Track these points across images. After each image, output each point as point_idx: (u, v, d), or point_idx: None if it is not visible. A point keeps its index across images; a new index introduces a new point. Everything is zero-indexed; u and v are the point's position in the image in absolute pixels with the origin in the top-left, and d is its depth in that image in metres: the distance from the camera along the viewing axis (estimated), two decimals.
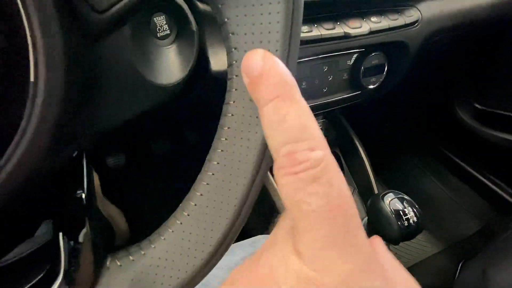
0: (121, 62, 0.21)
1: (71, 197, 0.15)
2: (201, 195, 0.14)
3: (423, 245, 0.71)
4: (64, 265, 0.13)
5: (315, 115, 0.61)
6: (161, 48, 0.29)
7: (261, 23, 0.13)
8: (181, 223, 0.14)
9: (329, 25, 0.36)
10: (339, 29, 0.37)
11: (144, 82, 0.25)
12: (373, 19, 0.39)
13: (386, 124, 0.70)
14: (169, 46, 0.30)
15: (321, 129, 0.63)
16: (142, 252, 0.14)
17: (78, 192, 0.16)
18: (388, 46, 0.44)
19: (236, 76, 0.13)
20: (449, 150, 0.75)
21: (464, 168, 0.72)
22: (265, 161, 0.14)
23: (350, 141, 0.63)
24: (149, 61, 0.28)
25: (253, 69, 0.12)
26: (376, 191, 0.59)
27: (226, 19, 0.13)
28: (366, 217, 0.43)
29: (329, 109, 0.51)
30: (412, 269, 0.66)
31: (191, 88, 0.32)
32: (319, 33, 0.35)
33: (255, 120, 0.13)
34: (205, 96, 0.36)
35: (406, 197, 0.39)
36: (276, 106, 0.12)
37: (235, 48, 0.13)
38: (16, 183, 0.12)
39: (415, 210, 0.37)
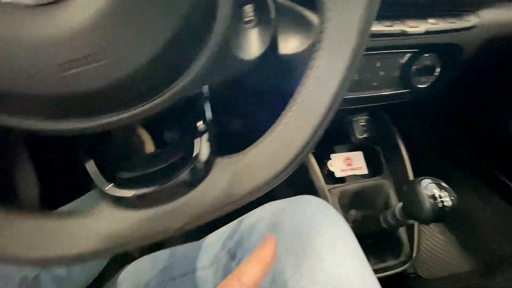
0: None
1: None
2: (286, 122, 0.20)
3: (456, 260, 0.70)
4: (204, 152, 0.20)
5: (360, 110, 0.64)
6: (245, 30, 0.36)
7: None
8: (280, 129, 0.20)
9: (388, 23, 0.41)
10: (397, 27, 0.41)
11: (231, 55, 0.32)
12: (431, 20, 0.42)
13: (431, 130, 0.71)
14: (251, 29, 0.37)
15: (364, 125, 0.67)
16: (241, 156, 0.21)
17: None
18: (442, 48, 0.47)
19: (326, 39, 0.19)
20: (496, 167, 0.72)
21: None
22: (338, 99, 0.20)
23: (393, 141, 0.66)
24: (236, 40, 0.35)
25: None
26: None
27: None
28: (401, 203, 0.45)
29: (376, 104, 0.54)
30: (441, 282, 0.65)
31: (262, 65, 0.38)
32: (379, 29, 0.40)
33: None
34: (269, 74, 0.42)
35: (443, 184, 0.41)
36: None
37: (328, 21, 0.19)
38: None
39: (451, 195, 0.39)
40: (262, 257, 0.21)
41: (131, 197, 0.19)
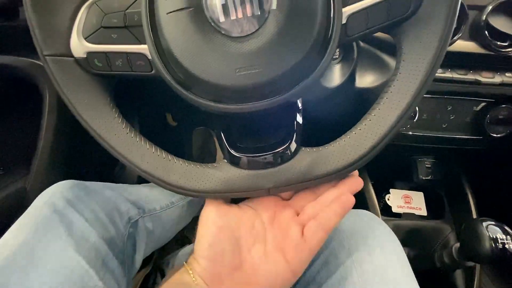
0: None
1: None
2: (357, 132, 0.28)
3: None
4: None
5: (428, 151, 0.65)
6: (331, 64, 0.46)
7: (421, 50, 0.25)
8: (354, 133, 0.27)
9: (462, 72, 0.45)
10: (471, 76, 0.44)
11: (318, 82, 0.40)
12: (508, 74, 0.45)
13: (503, 180, 0.66)
14: (336, 64, 0.46)
15: (429, 167, 0.67)
16: (319, 149, 0.28)
17: None
18: None
19: (400, 73, 0.26)
20: None
21: None
22: (400, 123, 0.26)
23: (459, 187, 0.64)
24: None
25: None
26: None
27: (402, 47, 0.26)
28: (457, 243, 0.45)
29: (445, 146, 0.56)
30: None
31: (340, 93, 0.47)
32: (451, 76, 0.44)
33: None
34: (345, 101, 0.50)
35: (507, 228, 0.40)
36: None
37: (404, 61, 0.26)
38: None
39: None
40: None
41: (243, 159, 0.28)
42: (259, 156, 0.28)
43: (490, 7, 0.42)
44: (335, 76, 0.45)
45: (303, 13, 0.23)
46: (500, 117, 0.51)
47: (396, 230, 0.63)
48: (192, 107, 0.28)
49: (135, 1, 0.26)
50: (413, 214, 0.64)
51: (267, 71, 0.24)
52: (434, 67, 0.25)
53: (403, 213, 0.65)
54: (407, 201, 0.67)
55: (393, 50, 0.33)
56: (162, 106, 0.91)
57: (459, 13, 0.43)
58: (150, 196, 0.55)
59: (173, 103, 0.80)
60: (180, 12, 0.23)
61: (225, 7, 0.23)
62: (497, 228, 0.41)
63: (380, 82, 0.47)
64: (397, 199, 0.67)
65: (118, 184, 0.51)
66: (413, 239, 0.61)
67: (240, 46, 0.23)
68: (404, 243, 0.65)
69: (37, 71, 0.39)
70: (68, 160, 0.46)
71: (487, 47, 0.43)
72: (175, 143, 1.04)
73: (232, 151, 0.29)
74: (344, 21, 0.25)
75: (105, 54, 0.26)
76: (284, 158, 0.28)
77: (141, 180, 0.86)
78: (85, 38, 0.26)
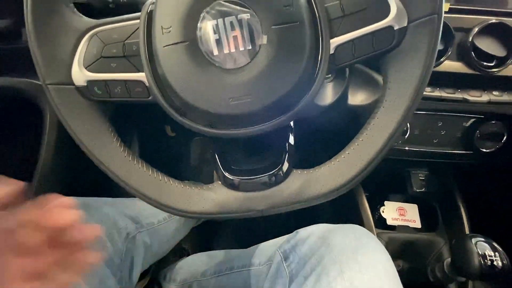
0: None
1: None
2: (347, 153, 0.29)
3: None
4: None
5: (421, 164, 0.67)
6: (324, 83, 0.47)
7: (406, 79, 0.27)
8: (343, 156, 0.28)
9: (450, 90, 0.46)
10: (459, 95, 0.46)
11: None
12: (495, 92, 0.46)
13: (495, 193, 0.68)
14: (329, 83, 0.47)
15: (423, 179, 0.68)
16: (311, 171, 0.29)
17: None
18: (509, 118, 0.49)
19: (385, 100, 0.28)
20: None
21: None
22: (389, 144, 0.27)
23: (452, 200, 0.65)
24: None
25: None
26: None
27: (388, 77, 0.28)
28: (449, 258, 0.46)
29: (436, 160, 0.57)
30: None
31: (332, 111, 0.48)
32: (440, 95, 0.46)
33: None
34: (337, 119, 0.51)
35: (496, 244, 0.41)
36: None
37: (389, 89, 0.27)
38: None
39: (502, 255, 0.39)
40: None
41: (236, 181, 0.29)
42: (253, 178, 0.29)
43: (476, 29, 0.44)
44: (328, 95, 0.46)
45: (292, 46, 0.25)
46: (490, 132, 0.52)
47: (391, 242, 0.64)
48: None
49: (133, 32, 0.27)
50: (408, 226, 0.65)
51: (259, 100, 0.25)
52: (418, 95, 0.27)
53: (398, 225, 0.65)
54: (401, 214, 0.67)
55: None
56: (160, 119, 0.92)
57: (446, 35, 0.45)
58: (148, 209, 0.56)
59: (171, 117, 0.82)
60: (176, 45, 0.25)
61: (218, 42, 0.24)
62: (486, 245, 0.42)
63: (372, 100, 0.48)
64: (391, 211, 0.68)
65: (116, 199, 0.52)
66: (407, 252, 0.61)
67: (233, 78, 0.25)
68: (398, 255, 0.66)
69: (38, 91, 0.41)
70: (67, 176, 0.47)
71: (473, 67, 0.44)
72: (174, 153, 1.05)
73: (226, 174, 0.30)
74: (332, 52, 0.26)
75: (105, 82, 0.28)
76: (277, 180, 0.29)
77: None
78: (86, 67, 0.27)
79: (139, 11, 0.39)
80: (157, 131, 1.00)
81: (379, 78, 0.48)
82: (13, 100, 0.39)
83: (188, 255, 0.84)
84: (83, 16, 0.28)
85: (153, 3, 0.27)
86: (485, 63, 0.44)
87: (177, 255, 0.84)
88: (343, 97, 0.49)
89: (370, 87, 0.48)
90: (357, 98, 0.49)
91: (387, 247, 0.63)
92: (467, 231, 0.59)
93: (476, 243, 0.42)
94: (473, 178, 0.68)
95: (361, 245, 0.37)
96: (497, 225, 0.62)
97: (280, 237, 0.48)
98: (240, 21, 0.24)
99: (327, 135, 0.52)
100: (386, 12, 0.26)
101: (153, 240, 0.54)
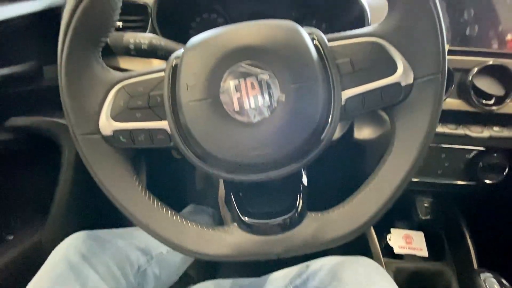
0: None
1: None
2: (362, 195, 0.30)
3: None
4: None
5: (426, 192, 0.68)
6: None
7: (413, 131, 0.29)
8: (355, 201, 0.30)
9: (452, 126, 0.48)
10: (461, 130, 0.48)
11: None
12: (496, 128, 0.48)
13: (499, 221, 0.68)
14: None
15: (428, 207, 0.69)
16: (325, 214, 0.31)
17: None
18: (510, 151, 0.51)
19: (394, 150, 0.29)
20: None
21: None
22: (404, 184, 0.29)
23: (458, 228, 0.66)
24: None
25: None
26: None
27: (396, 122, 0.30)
28: None
29: (441, 191, 0.58)
30: None
31: (340, 145, 0.50)
32: (443, 130, 0.48)
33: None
34: (345, 153, 0.53)
35: (504, 281, 0.42)
36: None
37: (397, 138, 0.29)
38: None
39: None
40: None
41: (253, 224, 0.30)
42: (268, 222, 0.30)
43: (475, 70, 0.46)
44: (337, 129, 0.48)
45: (307, 102, 0.27)
46: (492, 164, 0.54)
47: (399, 273, 0.64)
48: None
49: (157, 84, 0.29)
50: (415, 255, 0.65)
51: (276, 150, 0.27)
52: (424, 147, 0.28)
53: (405, 254, 0.66)
54: (408, 241, 0.68)
55: None
56: None
57: (447, 75, 0.47)
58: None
59: None
60: (200, 101, 0.27)
61: (239, 100, 0.26)
62: (495, 281, 0.42)
63: (377, 135, 0.50)
64: (398, 239, 0.68)
65: (126, 229, 0.53)
66: (416, 283, 0.61)
67: (253, 131, 0.27)
68: (407, 286, 0.65)
69: (57, 130, 0.42)
70: (82, 211, 0.48)
71: (473, 105, 0.46)
72: (180, 175, 1.06)
73: (242, 217, 0.31)
74: (343, 103, 0.28)
75: (130, 131, 0.29)
76: (292, 223, 0.30)
77: None
78: (112, 118, 0.29)
79: (157, 57, 0.42)
80: (164, 153, 1.02)
81: (383, 113, 0.50)
82: (32, 138, 0.41)
83: (195, 283, 0.83)
84: (111, 70, 0.30)
85: (177, 58, 0.29)
86: (484, 101, 0.46)
87: (183, 283, 0.83)
88: (349, 132, 0.51)
89: (375, 122, 0.50)
90: (363, 132, 0.51)
91: (395, 277, 0.63)
92: (474, 263, 0.59)
93: (485, 280, 0.42)
94: (477, 208, 0.69)
95: (371, 282, 0.37)
96: (503, 257, 0.62)
97: (290, 268, 0.48)
98: (260, 82, 0.26)
99: (336, 170, 0.54)
100: (393, 69, 0.28)
101: (162, 270, 0.54)
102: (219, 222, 0.94)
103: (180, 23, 0.58)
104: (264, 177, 0.28)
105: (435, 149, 0.54)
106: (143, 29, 0.51)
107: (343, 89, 0.28)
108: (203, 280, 0.73)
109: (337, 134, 0.50)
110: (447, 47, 0.28)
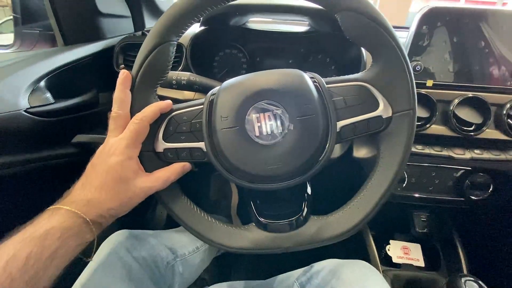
0: None
1: None
2: (355, 203, 0.38)
3: None
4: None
5: (423, 206, 0.75)
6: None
7: (393, 153, 0.37)
8: (349, 207, 0.38)
9: (438, 148, 0.56)
10: (445, 152, 0.55)
11: None
12: (476, 151, 0.56)
13: (491, 234, 0.73)
14: None
15: (425, 220, 0.75)
16: (325, 217, 0.39)
17: None
18: (492, 171, 0.58)
19: (379, 166, 0.38)
20: None
21: None
22: (387, 193, 0.37)
23: (451, 240, 0.71)
24: None
25: None
26: None
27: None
28: None
29: (434, 205, 0.65)
30: None
31: (340, 162, 0.58)
32: (429, 152, 0.56)
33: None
34: (344, 168, 0.61)
35: (481, 283, 0.47)
36: None
37: (382, 158, 0.38)
38: None
39: None
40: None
41: (267, 224, 0.39)
42: (280, 222, 0.39)
43: (456, 101, 0.54)
44: (337, 149, 0.57)
45: (310, 129, 0.36)
46: (478, 183, 0.60)
47: (396, 280, 0.70)
48: None
49: (198, 114, 0.39)
50: (412, 265, 0.71)
51: (286, 166, 0.36)
52: (402, 163, 0.37)
53: (403, 263, 0.71)
54: (406, 252, 0.74)
55: None
56: None
57: (430, 104, 0.55)
58: (180, 241, 0.65)
59: None
60: (230, 129, 0.36)
61: (260, 128, 0.35)
62: (475, 284, 0.48)
63: (372, 154, 0.58)
64: (396, 250, 0.74)
65: (156, 231, 0.62)
66: None
67: (269, 150, 0.36)
68: None
69: None
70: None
71: (455, 131, 0.54)
72: (195, 187, 1.15)
73: (259, 218, 0.39)
74: (338, 130, 0.37)
75: (175, 149, 0.39)
76: (299, 224, 0.39)
77: (167, 223, 0.96)
78: (164, 140, 0.39)
79: (193, 90, 0.52)
80: (188, 173, 1.12)
81: None
82: (88, 152, 0.51)
83: (208, 285, 0.89)
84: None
85: (213, 95, 0.38)
86: (465, 128, 0.54)
87: (197, 286, 0.90)
88: (349, 151, 0.59)
89: (370, 144, 0.58)
90: (360, 152, 0.60)
91: (392, 284, 0.69)
92: (464, 271, 0.64)
93: (465, 282, 0.48)
94: (468, 221, 0.75)
95: (367, 279, 0.44)
96: (493, 265, 0.67)
97: (296, 270, 0.55)
98: (275, 115, 0.35)
99: (337, 181, 0.61)
100: (376, 105, 0.37)
101: (185, 270, 0.62)
102: None
103: (207, 57, 0.69)
104: (276, 186, 0.37)
105: (426, 168, 0.61)
106: (178, 63, 0.62)
107: (338, 120, 0.37)
108: (216, 283, 0.80)
109: (339, 153, 0.58)
110: (415, 90, 0.37)
